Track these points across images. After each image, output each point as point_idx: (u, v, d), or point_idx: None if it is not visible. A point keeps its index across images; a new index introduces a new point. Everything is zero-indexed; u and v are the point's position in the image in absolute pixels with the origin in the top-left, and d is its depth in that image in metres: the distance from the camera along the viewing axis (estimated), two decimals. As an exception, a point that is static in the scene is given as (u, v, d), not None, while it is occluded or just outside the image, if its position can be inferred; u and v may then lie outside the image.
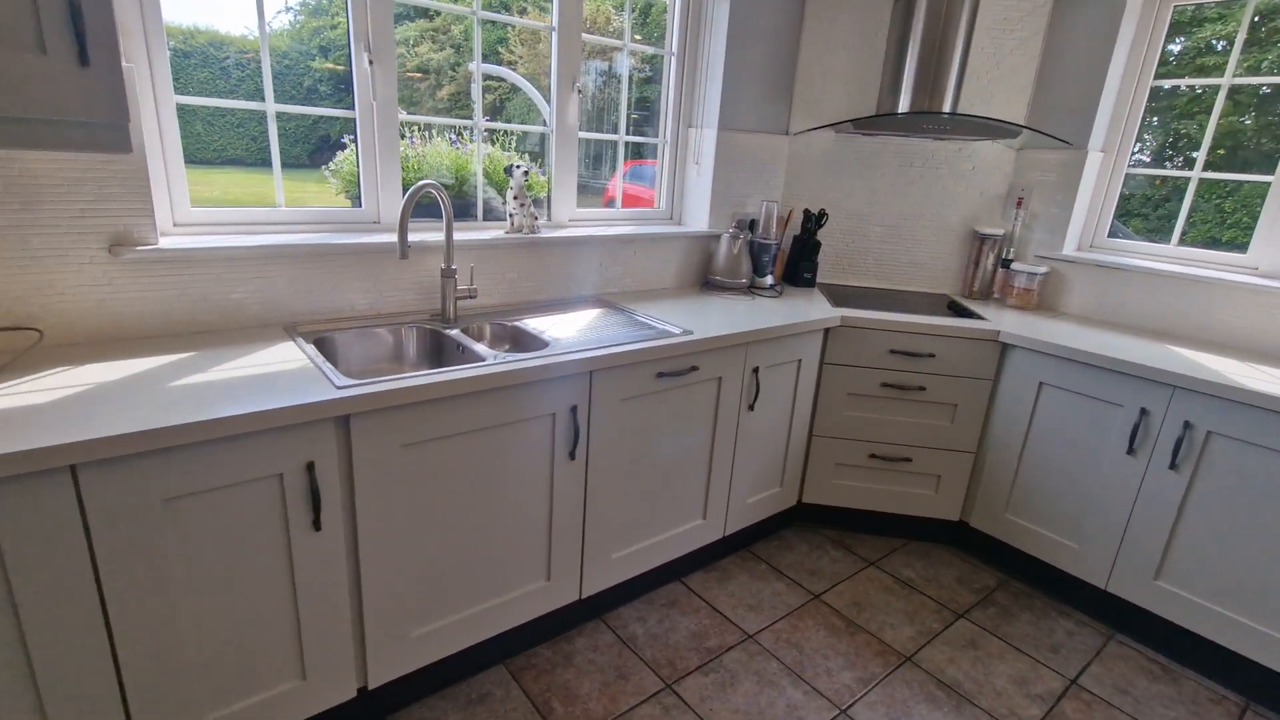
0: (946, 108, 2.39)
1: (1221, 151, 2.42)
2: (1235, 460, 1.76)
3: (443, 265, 1.86)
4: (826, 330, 2.26)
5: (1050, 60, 2.50)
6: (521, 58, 5.79)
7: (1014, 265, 2.60)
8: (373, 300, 1.87)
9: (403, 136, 1.99)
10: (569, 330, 1.89)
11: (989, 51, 2.53)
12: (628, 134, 2.51)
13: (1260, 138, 2.38)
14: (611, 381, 1.71)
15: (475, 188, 2.18)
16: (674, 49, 2.47)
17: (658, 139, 2.59)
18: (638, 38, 2.40)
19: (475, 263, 2.02)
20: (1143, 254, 2.49)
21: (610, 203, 3.06)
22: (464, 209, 2.28)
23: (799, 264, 2.70)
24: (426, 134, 3.99)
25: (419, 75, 6.23)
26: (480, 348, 1.66)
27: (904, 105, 2.45)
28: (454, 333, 1.79)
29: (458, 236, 1.96)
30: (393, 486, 1.41)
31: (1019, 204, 2.62)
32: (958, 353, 2.23)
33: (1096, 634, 2.05)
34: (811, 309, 2.29)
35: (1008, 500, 2.26)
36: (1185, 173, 2.39)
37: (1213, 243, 2.64)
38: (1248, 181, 2.33)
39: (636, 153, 2.77)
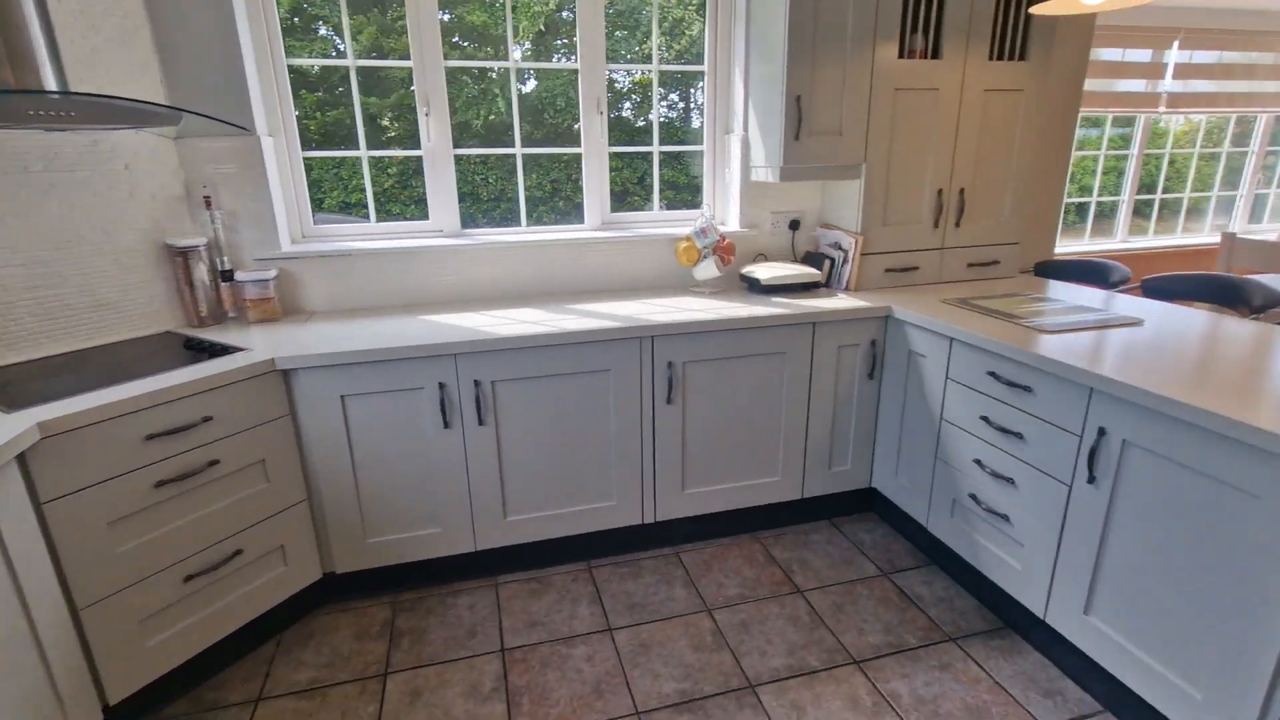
0: (51, 85, 1.65)
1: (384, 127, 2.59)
2: (520, 395, 2.05)
3: None
4: (21, 457, 1.37)
5: (164, 25, 2.03)
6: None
7: (237, 275, 2.19)
8: None
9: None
10: None
11: (75, 8, 1.86)
12: None
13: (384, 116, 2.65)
14: None
15: None
16: None
17: None
18: None
19: None
20: (353, 236, 2.50)
21: None
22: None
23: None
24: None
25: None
26: None
27: (-31, 80, 1.56)
28: None
29: None
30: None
31: (208, 204, 2.17)
32: (234, 401, 1.75)
33: (490, 591, 2.18)
34: (-33, 434, 1.33)
35: (363, 527, 2.04)
36: (355, 152, 2.46)
37: (393, 215, 2.90)
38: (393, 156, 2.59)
39: None
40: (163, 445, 1.61)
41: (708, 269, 2.49)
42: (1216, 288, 2.48)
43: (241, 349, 1.89)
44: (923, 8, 2.30)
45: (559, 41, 2.40)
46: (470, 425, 2.03)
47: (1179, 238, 4.77)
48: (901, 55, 2.33)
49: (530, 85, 2.61)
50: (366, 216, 2.52)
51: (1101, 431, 1.57)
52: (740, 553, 2.38)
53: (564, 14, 2.46)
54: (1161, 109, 4.29)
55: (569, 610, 2.10)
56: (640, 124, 2.74)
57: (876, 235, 2.49)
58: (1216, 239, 4.50)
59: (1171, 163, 4.68)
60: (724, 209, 2.76)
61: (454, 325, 2.11)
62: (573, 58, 2.54)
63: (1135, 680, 1.55)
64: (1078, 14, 2.34)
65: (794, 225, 2.73)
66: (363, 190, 2.53)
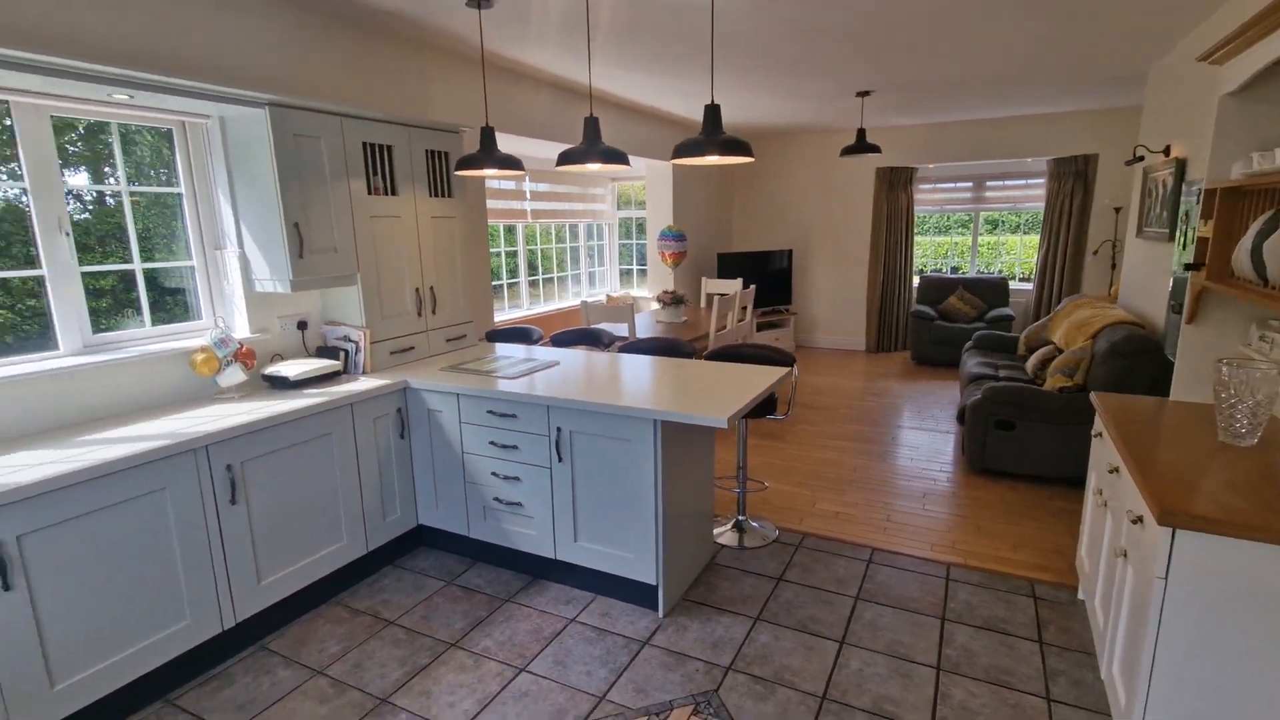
0: None
1: None
2: (58, 543, 1.88)
3: None
4: None
5: None
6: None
7: None
8: None
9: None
10: None
11: None
12: None
13: None
14: None
15: None
16: None
17: None
18: None
19: None
20: None
21: None
22: None
23: None
24: None
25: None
26: None
27: None
28: None
29: None
30: None
31: None
32: None
33: None
34: None
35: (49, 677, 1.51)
36: None
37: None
38: None
39: None
40: None
41: (234, 374, 2.66)
42: (587, 335, 4.05)
43: None
44: (379, 159, 3.08)
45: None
46: (-8, 595, 1.76)
47: (558, 303, 6.93)
48: (369, 192, 3.05)
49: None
50: None
51: (559, 430, 2.64)
52: (327, 619, 2.65)
53: None
54: (528, 219, 6.25)
55: (169, 744, 2.02)
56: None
57: (379, 326, 3.13)
58: (577, 303, 6.78)
59: (542, 254, 6.78)
60: (229, 318, 2.92)
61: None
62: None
63: (607, 564, 2.67)
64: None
65: (302, 325, 3.11)
66: None
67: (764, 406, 3.10)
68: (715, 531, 3.28)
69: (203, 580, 2.26)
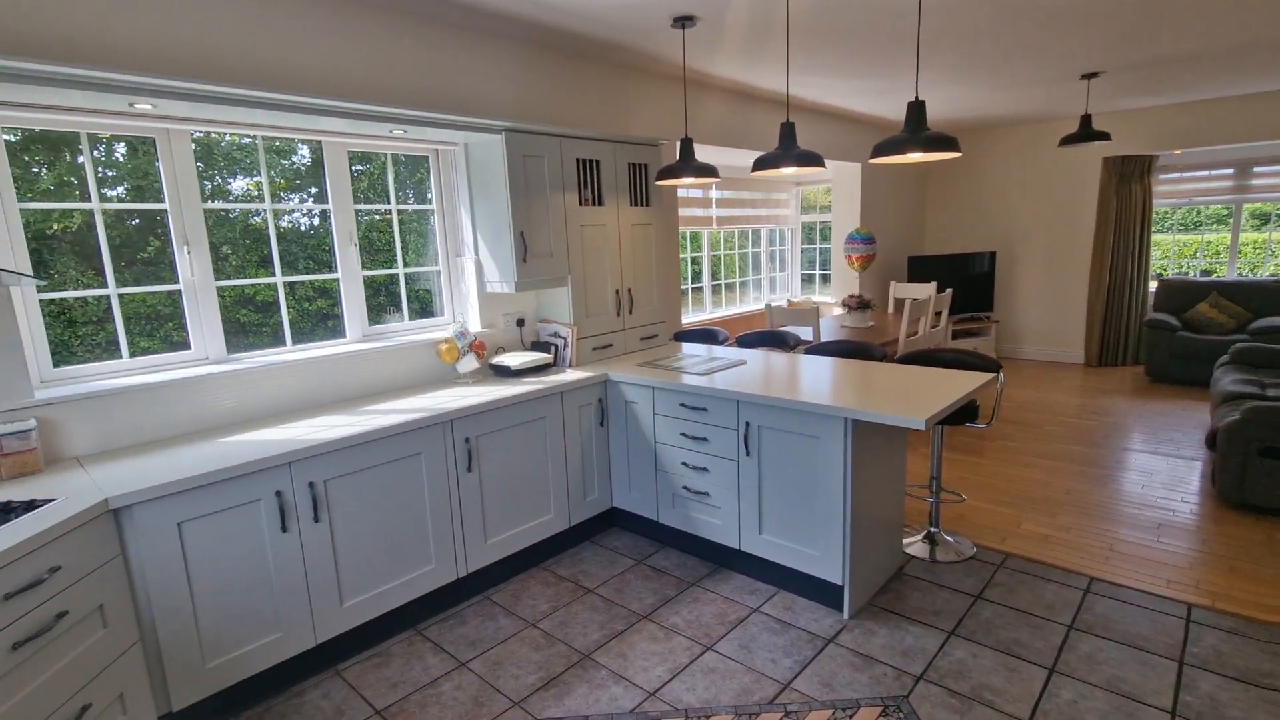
0: None
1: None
2: (348, 490, 2.37)
3: None
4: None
5: None
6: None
7: (-17, 430, 2.01)
8: None
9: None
10: None
11: None
12: None
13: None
14: None
15: None
16: None
17: None
18: None
19: None
20: (107, 375, 2.42)
21: None
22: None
23: None
24: None
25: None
26: None
27: None
28: None
29: None
30: None
31: (-67, 358, 1.96)
32: (75, 549, 1.74)
33: (335, 679, 2.35)
34: None
35: (201, 653, 2.07)
36: (102, 291, 2.42)
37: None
38: (152, 292, 2.60)
39: None
40: (16, 605, 1.56)
41: (469, 362, 3.11)
42: (772, 337, 4.11)
43: (49, 499, 1.83)
44: (589, 174, 3.42)
45: (312, 189, 2.72)
46: (307, 525, 2.27)
47: (739, 307, 7.03)
48: (580, 203, 3.39)
49: (285, 222, 2.88)
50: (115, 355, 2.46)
51: (748, 424, 2.74)
52: (537, 581, 2.99)
53: (299, 161, 2.84)
54: (713, 225, 6.43)
55: (420, 665, 2.43)
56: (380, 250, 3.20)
57: (584, 324, 3.46)
58: (761, 306, 6.83)
59: (725, 260, 6.93)
60: (464, 315, 3.42)
61: (272, 440, 2.32)
62: (308, 198, 2.95)
63: (791, 559, 2.71)
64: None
65: (520, 323, 3.54)
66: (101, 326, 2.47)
67: (962, 415, 2.94)
68: (905, 541, 3.17)
69: (444, 533, 2.69)
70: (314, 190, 2.94)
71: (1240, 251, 6.40)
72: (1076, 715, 2.06)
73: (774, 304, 6.37)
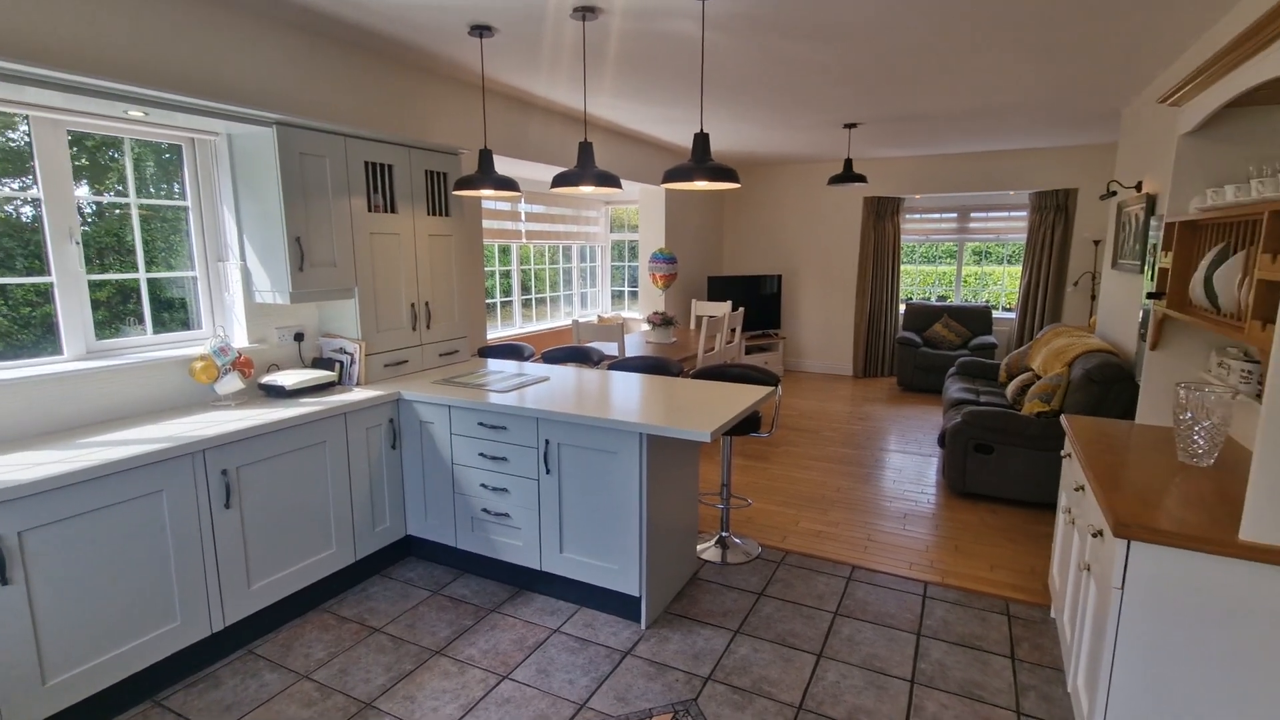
0: None
1: None
2: (57, 542, 1.93)
3: None
4: None
5: None
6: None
7: None
8: None
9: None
10: None
11: None
12: None
13: None
14: None
15: None
16: None
17: None
18: None
19: None
20: None
21: None
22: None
23: None
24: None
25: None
26: None
27: None
28: None
29: None
30: None
31: None
32: None
33: None
34: None
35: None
36: None
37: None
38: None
39: None
40: None
41: (231, 383, 2.72)
42: (577, 353, 4.14)
43: None
44: (380, 178, 3.18)
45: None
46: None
47: (550, 322, 7.02)
48: (370, 209, 3.15)
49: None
50: None
51: (548, 442, 2.71)
52: (314, 625, 2.68)
53: (18, 139, 2.28)
54: (522, 239, 6.36)
55: (155, 744, 2.04)
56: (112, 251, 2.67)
57: (374, 339, 3.20)
58: (569, 322, 6.88)
59: (536, 275, 6.89)
60: (229, 328, 2.99)
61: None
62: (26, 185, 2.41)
63: (592, 576, 2.72)
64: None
65: (299, 337, 3.18)
66: None
67: (748, 425, 3.18)
68: (699, 547, 3.34)
69: (194, 583, 2.30)
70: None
71: (965, 281, 7.76)
72: (839, 694, 2.29)
73: (582, 320, 6.45)
